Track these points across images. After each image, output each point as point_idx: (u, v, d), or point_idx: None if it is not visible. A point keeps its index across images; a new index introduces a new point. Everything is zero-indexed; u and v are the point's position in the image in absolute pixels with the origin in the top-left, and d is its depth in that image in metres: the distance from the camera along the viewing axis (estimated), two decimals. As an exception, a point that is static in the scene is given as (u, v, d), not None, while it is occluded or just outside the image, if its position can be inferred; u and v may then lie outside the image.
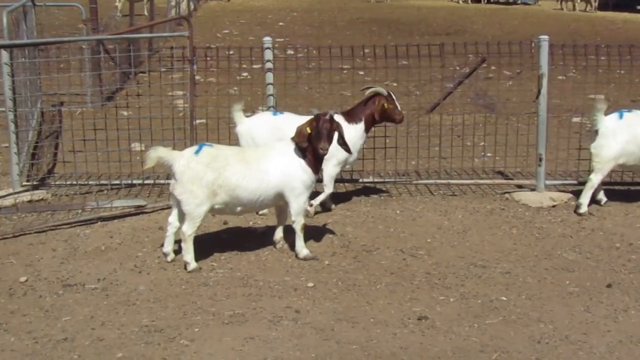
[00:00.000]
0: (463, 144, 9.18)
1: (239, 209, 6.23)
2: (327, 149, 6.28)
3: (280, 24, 25.88)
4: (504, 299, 5.79)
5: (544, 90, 7.85)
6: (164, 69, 12.41)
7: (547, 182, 8.24)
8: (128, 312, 5.52)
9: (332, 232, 7.02)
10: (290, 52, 15.62)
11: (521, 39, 9.67)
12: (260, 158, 6.25)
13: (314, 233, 6.97)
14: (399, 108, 7.46)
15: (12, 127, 7.63)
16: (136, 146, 8.95)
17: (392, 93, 7.42)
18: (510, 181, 8.55)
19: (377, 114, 7.43)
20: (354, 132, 7.29)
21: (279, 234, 6.67)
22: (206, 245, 6.66)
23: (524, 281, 6.12)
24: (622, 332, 5.26)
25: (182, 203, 6.09)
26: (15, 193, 7.71)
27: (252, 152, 6.38)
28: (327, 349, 5.00)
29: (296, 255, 6.47)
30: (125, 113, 10.63)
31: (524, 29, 24.81)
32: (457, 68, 12.32)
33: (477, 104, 11.51)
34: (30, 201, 7.66)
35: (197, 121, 10.08)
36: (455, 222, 7.38)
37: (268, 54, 7.69)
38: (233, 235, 7.00)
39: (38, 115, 10.10)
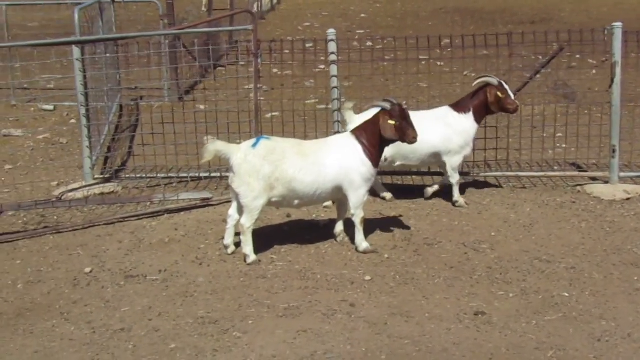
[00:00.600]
0: (533, 135, 8.92)
1: (296, 202, 6.23)
2: (417, 138, 6.25)
3: (363, 15, 25.74)
4: (566, 295, 5.62)
5: (617, 79, 7.58)
6: (242, 63, 12.60)
7: (622, 174, 7.96)
8: (185, 303, 5.60)
9: (394, 225, 6.95)
10: (369, 43, 15.60)
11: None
12: (318, 151, 6.23)
13: (376, 226, 6.93)
14: (513, 97, 7.30)
15: (84, 121, 7.81)
16: (208, 139, 9.04)
17: (504, 82, 7.30)
18: (583, 173, 8.29)
19: (490, 105, 7.32)
20: (464, 123, 7.25)
21: (339, 227, 6.65)
22: (267, 237, 6.70)
23: (590, 277, 5.93)
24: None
25: (239, 196, 6.13)
26: (87, 186, 7.88)
27: (311, 145, 6.37)
28: (379, 343, 4.96)
29: (356, 249, 6.44)
30: (202, 107, 10.80)
31: (613, 16, 23.91)
32: (540, 57, 12.02)
33: (556, 93, 11.24)
34: (101, 194, 7.84)
35: (271, 114, 10.22)
36: (522, 216, 7.20)
37: (332, 46, 7.65)
38: (295, 228, 7.01)
39: (117, 109, 10.35)
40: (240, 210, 6.25)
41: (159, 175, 8.29)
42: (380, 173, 8.16)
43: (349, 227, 6.57)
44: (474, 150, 7.75)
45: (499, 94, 7.27)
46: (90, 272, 6.15)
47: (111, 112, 10.05)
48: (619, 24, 7.60)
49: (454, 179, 7.30)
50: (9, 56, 12.40)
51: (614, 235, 6.74)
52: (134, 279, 6.03)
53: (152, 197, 7.53)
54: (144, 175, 8.28)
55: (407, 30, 21.05)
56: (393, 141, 6.31)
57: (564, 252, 6.39)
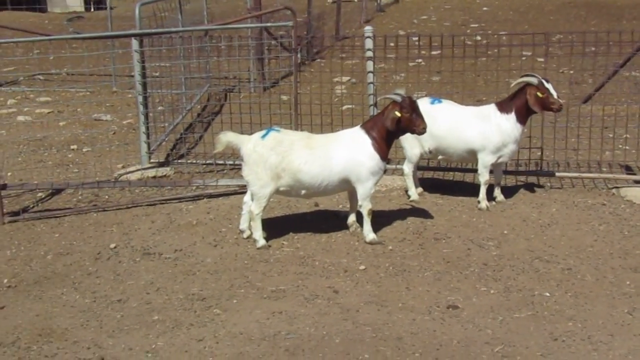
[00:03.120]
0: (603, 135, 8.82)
1: (303, 192, 6.55)
2: (426, 129, 6.47)
3: (485, 8, 25.45)
4: (547, 294, 5.68)
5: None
6: (343, 56, 12.95)
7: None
8: (185, 280, 6.05)
9: (412, 218, 7.14)
10: (477, 37, 15.54)
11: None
12: (326, 144, 6.52)
13: (393, 218, 7.16)
14: (555, 96, 7.29)
15: (141, 108, 8.42)
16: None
17: (545, 81, 7.27)
18: (628, 176, 8.13)
19: (531, 105, 7.29)
20: (505, 123, 7.34)
21: (352, 217, 6.92)
22: (288, 225, 7.08)
23: (582, 278, 5.94)
24: (651, 338, 5.02)
25: (248, 184, 6.54)
26: (143, 169, 8.49)
27: (319, 138, 6.67)
28: (341, 328, 5.23)
29: (364, 239, 6.67)
30: (284, 97, 11.28)
31: None
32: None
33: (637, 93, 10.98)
34: (154, 177, 8.43)
35: (346, 106, 10.55)
36: (545, 216, 7.22)
37: (368, 43, 7.90)
38: (317, 217, 7.33)
39: (201, 97, 11.01)
40: (254, 197, 6.63)
41: (216, 162, 8.70)
42: (422, 168, 8.37)
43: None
44: (518, 151, 7.79)
45: (538, 94, 7.26)
46: (114, 247, 6.71)
47: (194, 100, 10.70)
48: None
49: (483, 177, 7.38)
50: (111, 45, 13.33)
51: (629, 239, 6.67)
52: (150, 256, 6.53)
53: (191, 182, 8.02)
54: (200, 162, 8.76)
55: (523, 25, 20.76)
56: (401, 134, 6.51)
57: (568, 253, 6.40)
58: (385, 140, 6.49)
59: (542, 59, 12.96)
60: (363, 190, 6.54)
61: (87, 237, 6.99)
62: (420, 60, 12.48)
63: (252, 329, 5.25)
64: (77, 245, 6.81)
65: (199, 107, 11.36)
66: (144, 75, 8.40)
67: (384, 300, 5.63)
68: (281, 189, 6.52)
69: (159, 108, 9.81)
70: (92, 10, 25.95)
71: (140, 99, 8.43)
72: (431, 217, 7.23)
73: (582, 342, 5.00)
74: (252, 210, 6.57)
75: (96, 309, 5.62)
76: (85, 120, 11.24)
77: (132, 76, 11.69)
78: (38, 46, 16.79)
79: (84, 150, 9.86)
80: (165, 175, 8.50)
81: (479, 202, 7.41)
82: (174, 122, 9.85)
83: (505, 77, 10.99)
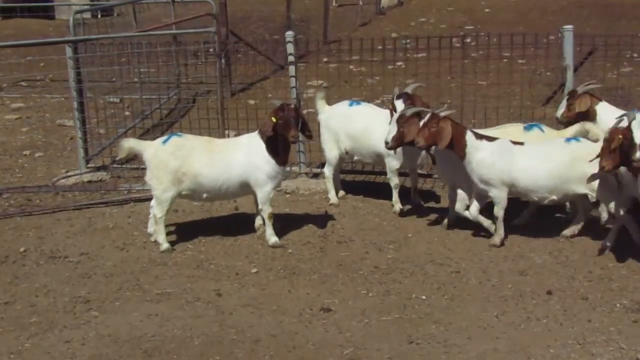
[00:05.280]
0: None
1: (205, 195, 6.66)
2: (297, 137, 6.52)
3: (487, 10, 25.35)
4: (424, 297, 5.72)
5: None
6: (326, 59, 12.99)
7: None
8: (78, 283, 6.18)
9: (323, 222, 7.19)
10: (467, 40, 15.47)
11: None
12: (225, 149, 6.63)
13: (305, 221, 7.24)
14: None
15: (76, 114, 8.59)
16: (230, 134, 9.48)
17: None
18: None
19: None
20: None
21: (258, 221, 7.00)
22: (202, 228, 7.19)
23: (465, 282, 5.96)
24: (509, 341, 5.04)
25: (151, 188, 6.64)
26: (80, 174, 8.66)
27: (220, 143, 6.78)
28: (207, 331, 5.32)
29: (267, 243, 6.75)
30: (252, 102, 11.37)
31: None
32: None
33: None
34: (89, 181, 8.58)
35: (306, 111, 10.59)
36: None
37: (290, 48, 7.98)
38: (233, 221, 7.40)
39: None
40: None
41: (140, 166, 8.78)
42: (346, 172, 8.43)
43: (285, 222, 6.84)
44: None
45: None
46: (24, 251, 6.85)
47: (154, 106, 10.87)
48: None
49: (393, 181, 7.40)
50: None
51: (528, 242, 6.63)
52: (55, 259, 6.67)
53: (118, 186, 8.16)
54: (138, 166, 8.87)
55: (519, 26, 20.62)
56: (290, 139, 6.51)
57: (463, 256, 6.42)
58: (280, 145, 6.54)
59: (522, 60, 12.99)
60: (261, 195, 6.61)
61: (2, 240, 7.14)
62: (401, 63, 12.49)
63: (121, 331, 5.36)
64: (-12, 249, 6.96)
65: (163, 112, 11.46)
66: (79, 82, 8.55)
67: (261, 303, 5.70)
68: (183, 192, 6.63)
69: (110, 112, 9.95)
70: (99, 17, 26.30)
71: (75, 104, 8.57)
72: (343, 220, 7.27)
73: (437, 345, 5.02)
74: (155, 214, 6.68)
75: (-20, 312, 5.75)
76: (49, 126, 11.43)
77: (108, 81, 12.11)
78: (32, 52, 17.08)
79: (36, 155, 10.03)
80: (100, 180, 8.63)
81: (392, 205, 7.42)
82: (126, 127, 9.98)
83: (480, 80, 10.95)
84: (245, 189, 6.70)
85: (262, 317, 5.48)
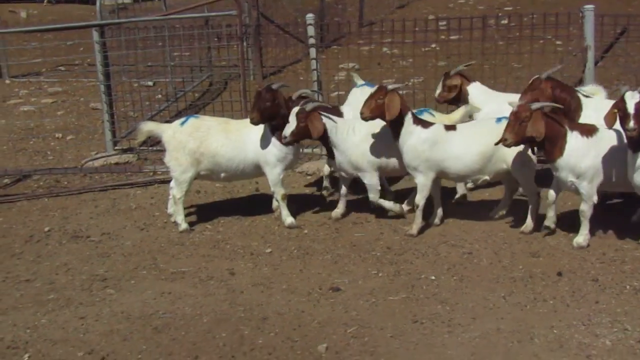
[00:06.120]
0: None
1: (222, 175, 6.78)
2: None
3: (525, -10, 25.03)
4: (433, 278, 5.74)
5: None
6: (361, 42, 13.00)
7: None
8: (97, 262, 6.34)
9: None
10: (504, 21, 15.31)
11: None
12: (241, 129, 6.72)
13: (325, 202, 7.28)
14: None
15: (104, 97, 8.75)
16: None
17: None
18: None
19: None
20: None
21: (275, 202, 7.07)
22: (222, 209, 7.32)
23: (477, 263, 5.97)
24: (513, 321, 5.03)
25: (170, 170, 6.77)
26: (107, 156, 8.83)
27: (235, 123, 6.86)
28: (216, 309, 5.41)
29: (284, 224, 6.83)
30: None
31: None
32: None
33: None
34: (116, 163, 8.75)
35: (335, 93, 10.67)
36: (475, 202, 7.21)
37: (310, 30, 8.01)
38: (254, 202, 7.50)
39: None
40: (178, 182, 6.88)
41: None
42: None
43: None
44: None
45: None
46: (48, 231, 7.04)
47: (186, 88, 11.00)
48: None
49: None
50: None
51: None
52: (78, 239, 6.84)
53: (142, 168, 8.31)
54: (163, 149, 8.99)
55: (559, 7, 20.32)
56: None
57: (477, 238, 6.42)
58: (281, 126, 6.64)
59: (559, 42, 12.84)
60: (271, 177, 6.73)
61: (29, 220, 7.34)
62: (434, 45, 12.46)
63: (134, 308, 5.49)
64: (15, 229, 7.17)
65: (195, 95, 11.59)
66: (106, 65, 8.69)
67: (272, 282, 5.78)
68: (202, 173, 6.75)
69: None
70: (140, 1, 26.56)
71: (102, 88, 8.73)
72: (359, 201, 7.29)
73: (441, 325, 5.05)
74: (174, 194, 6.80)
75: (2, 288, 5.93)
76: (82, 110, 11.65)
77: (132, 65, 12.25)
78: (73, 36, 17.36)
79: (68, 138, 10.24)
80: (127, 162, 8.79)
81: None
82: (158, 109, 10.14)
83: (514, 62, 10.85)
84: (260, 169, 6.78)
85: (271, 296, 5.56)
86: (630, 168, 5.68)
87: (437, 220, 6.65)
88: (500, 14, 18.83)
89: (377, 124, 6.50)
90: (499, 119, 6.32)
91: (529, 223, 6.37)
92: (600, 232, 6.35)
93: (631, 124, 5.44)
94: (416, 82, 10.96)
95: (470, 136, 6.33)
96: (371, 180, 6.60)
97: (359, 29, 14.88)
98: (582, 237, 6.07)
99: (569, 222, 6.37)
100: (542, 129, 5.81)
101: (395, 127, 6.36)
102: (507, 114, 6.00)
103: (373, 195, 6.66)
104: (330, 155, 6.79)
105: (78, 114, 11.49)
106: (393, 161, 6.59)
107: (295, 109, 6.40)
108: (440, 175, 6.45)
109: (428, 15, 19.27)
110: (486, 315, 5.15)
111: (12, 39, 15.23)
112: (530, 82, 6.51)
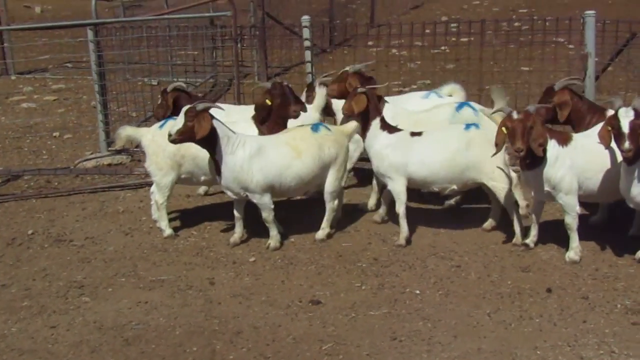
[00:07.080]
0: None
1: (202, 178, 6.59)
2: (299, 110, 6.54)
3: (544, -8, 24.70)
4: (417, 292, 5.55)
5: None
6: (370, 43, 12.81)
7: None
8: (76, 267, 6.20)
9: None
10: (516, 23, 15.08)
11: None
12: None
13: (316, 209, 7.05)
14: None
15: (97, 97, 8.61)
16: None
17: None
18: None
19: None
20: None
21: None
22: (211, 213, 7.16)
23: (465, 277, 5.78)
24: (496, 341, 4.86)
25: (151, 174, 6.61)
26: (100, 157, 8.69)
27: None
28: (191, 320, 5.27)
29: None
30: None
31: None
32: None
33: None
34: (109, 164, 8.61)
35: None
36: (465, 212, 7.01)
37: (306, 33, 7.84)
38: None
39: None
40: (160, 187, 6.71)
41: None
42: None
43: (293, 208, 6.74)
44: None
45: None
46: (32, 234, 6.91)
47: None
48: None
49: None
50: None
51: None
52: (60, 243, 6.71)
53: (133, 170, 8.16)
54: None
55: (574, 10, 20.02)
56: (292, 114, 6.61)
57: (468, 250, 6.22)
58: (275, 126, 6.48)
59: (571, 46, 12.57)
60: None
61: (14, 222, 7.21)
62: (445, 47, 12.25)
63: (107, 317, 5.35)
64: (-2, 231, 7.04)
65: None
66: (99, 65, 8.56)
67: (252, 294, 5.62)
68: (182, 176, 6.58)
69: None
70: (151, -1, 26.50)
71: (96, 87, 8.59)
72: (350, 209, 7.11)
73: (420, 343, 4.87)
74: (156, 200, 6.65)
75: (-23, 293, 5.81)
76: (83, 108, 11.54)
77: (143, 63, 12.13)
78: (81, 34, 17.28)
79: (65, 137, 10.12)
80: (120, 163, 8.66)
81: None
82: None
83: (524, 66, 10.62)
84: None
85: (249, 308, 5.40)
86: (624, 181, 5.45)
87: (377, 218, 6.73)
88: (514, 16, 18.69)
89: (273, 140, 6.26)
90: (467, 126, 6.11)
91: (518, 235, 6.16)
92: (595, 246, 6.11)
93: (626, 144, 5.20)
94: (423, 85, 10.78)
95: (436, 142, 6.14)
96: (261, 200, 6.26)
97: (367, 31, 14.65)
98: (573, 251, 5.85)
99: (564, 235, 6.12)
100: (545, 134, 5.60)
101: (363, 131, 6.29)
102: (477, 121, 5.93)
103: (266, 215, 6.31)
104: (217, 170, 6.15)
105: (79, 112, 11.36)
106: (287, 182, 6.24)
107: (185, 107, 6.01)
108: (409, 182, 6.24)
109: (441, 17, 19.11)
110: (468, 333, 4.96)
111: (21, 36, 15.22)
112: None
